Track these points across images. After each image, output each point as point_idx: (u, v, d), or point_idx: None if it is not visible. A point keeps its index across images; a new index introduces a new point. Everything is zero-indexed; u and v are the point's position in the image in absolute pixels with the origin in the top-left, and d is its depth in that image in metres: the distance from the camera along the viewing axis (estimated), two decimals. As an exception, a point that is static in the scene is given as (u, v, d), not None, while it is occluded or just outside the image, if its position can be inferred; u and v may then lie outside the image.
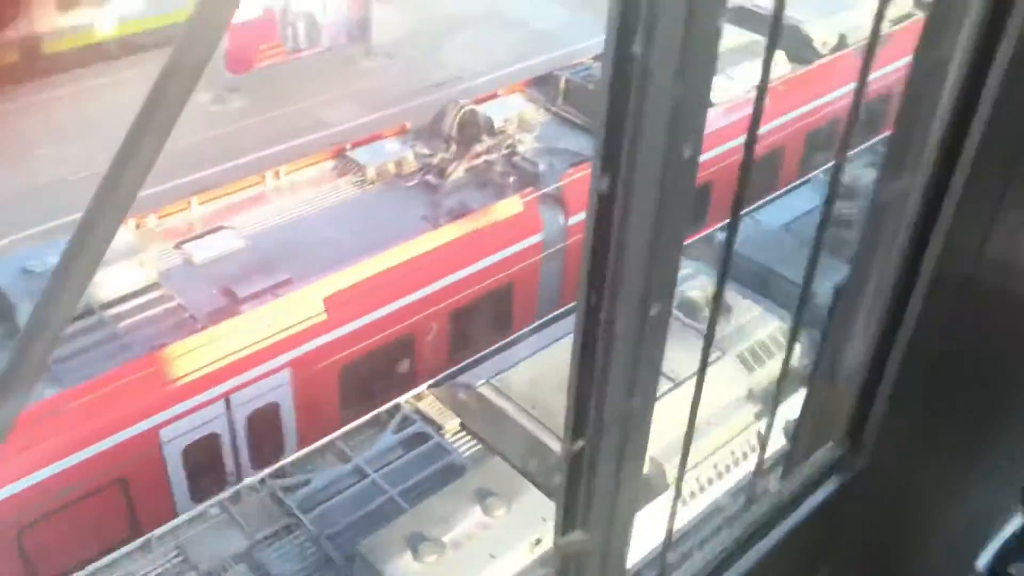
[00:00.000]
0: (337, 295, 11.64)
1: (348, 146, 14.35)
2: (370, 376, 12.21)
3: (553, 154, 14.47)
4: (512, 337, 10.94)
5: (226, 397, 10.90)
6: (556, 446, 8.67)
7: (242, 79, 21.96)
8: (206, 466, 11.10)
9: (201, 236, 12.52)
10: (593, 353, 1.79)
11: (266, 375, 11.18)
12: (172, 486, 10.86)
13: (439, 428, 9.81)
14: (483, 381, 9.76)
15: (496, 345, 10.80)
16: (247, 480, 9.45)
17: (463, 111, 14.59)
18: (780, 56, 16.85)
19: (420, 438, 9.73)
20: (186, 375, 10.58)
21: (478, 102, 15.09)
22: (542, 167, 13.98)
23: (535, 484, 8.84)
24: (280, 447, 11.72)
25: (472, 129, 14.52)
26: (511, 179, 13.93)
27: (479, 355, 10.69)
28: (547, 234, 13.65)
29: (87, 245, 1.90)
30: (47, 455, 9.69)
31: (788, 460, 2.68)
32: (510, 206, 13.28)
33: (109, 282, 11.17)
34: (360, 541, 8.22)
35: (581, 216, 11.73)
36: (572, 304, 11.14)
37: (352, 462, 9.46)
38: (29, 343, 1.98)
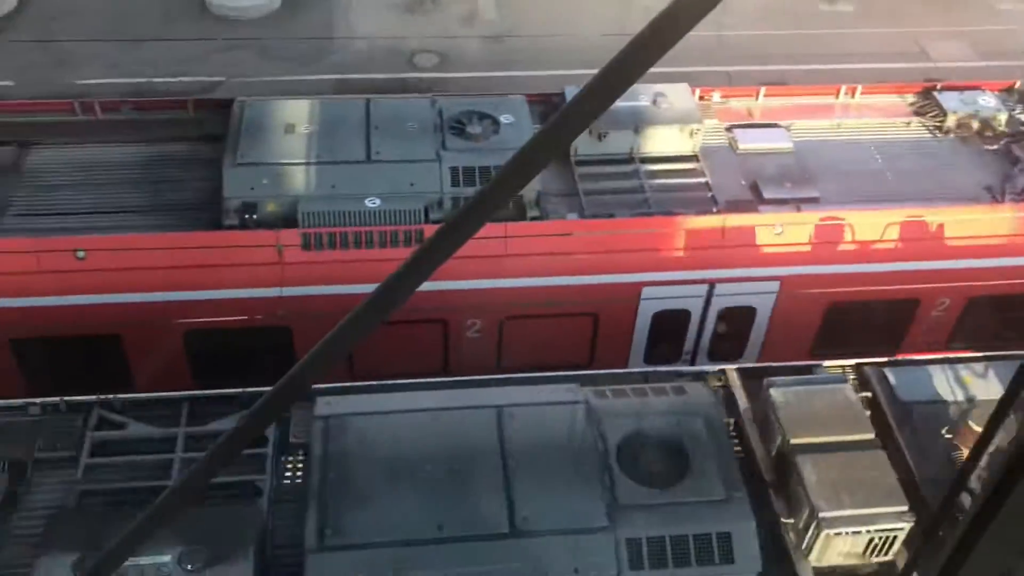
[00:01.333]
0: (850, 229, 11.07)
1: (938, 86, 13.17)
2: (857, 324, 11.61)
3: None
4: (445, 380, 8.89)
5: (711, 284, 11.14)
6: (309, 537, 7.15)
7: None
8: (668, 336, 11.59)
9: (753, 126, 12.56)
10: None
11: (755, 279, 11.17)
12: (633, 339, 11.55)
13: (288, 437, 8.25)
14: (327, 414, 7.95)
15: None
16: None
17: (1092, 87, 12.51)
18: None
19: (260, 440, 8.26)
20: (685, 249, 10.96)
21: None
22: None
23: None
24: (739, 350, 11.80)
25: (1093, 111, 12.45)
26: (1114, 181, 11.83)
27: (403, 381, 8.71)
28: None
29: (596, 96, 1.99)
30: (542, 267, 10.81)
31: None
32: (1096, 210, 11.34)
33: (656, 139, 11.78)
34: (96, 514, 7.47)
35: None
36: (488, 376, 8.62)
37: (179, 428, 8.34)
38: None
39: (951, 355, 9.49)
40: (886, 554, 7.69)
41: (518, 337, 11.15)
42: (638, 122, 11.70)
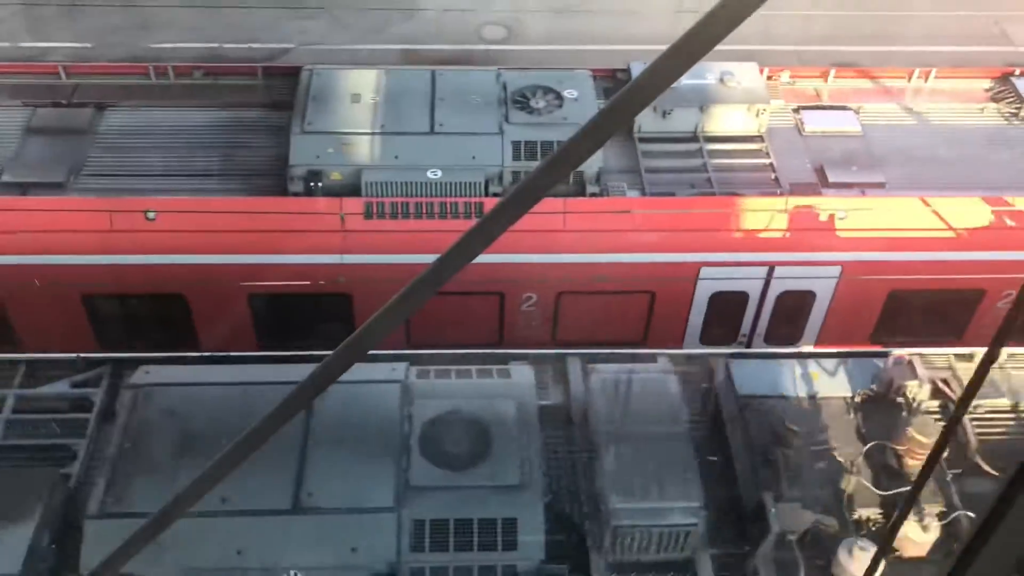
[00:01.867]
0: (916, 216, 10.87)
1: (1016, 71, 12.79)
2: (918, 313, 11.41)
3: None
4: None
5: (770, 266, 11.04)
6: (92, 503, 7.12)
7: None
8: (724, 318, 11.53)
9: (821, 108, 12.35)
10: None
11: (816, 263, 11.04)
12: (689, 318, 11.52)
13: (114, 404, 8.21)
14: (139, 383, 7.90)
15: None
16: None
17: None
18: None
19: (81, 406, 8.36)
20: (746, 230, 10.86)
21: None
22: None
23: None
24: (797, 334, 11.69)
25: None
26: None
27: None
28: None
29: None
30: (601, 243, 10.80)
31: None
32: None
33: (722, 118, 11.66)
34: None
35: None
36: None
37: (10, 391, 8.37)
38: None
39: (805, 350, 9.17)
40: (681, 550, 7.41)
41: (574, 312, 11.20)
42: (703, 100, 11.60)
